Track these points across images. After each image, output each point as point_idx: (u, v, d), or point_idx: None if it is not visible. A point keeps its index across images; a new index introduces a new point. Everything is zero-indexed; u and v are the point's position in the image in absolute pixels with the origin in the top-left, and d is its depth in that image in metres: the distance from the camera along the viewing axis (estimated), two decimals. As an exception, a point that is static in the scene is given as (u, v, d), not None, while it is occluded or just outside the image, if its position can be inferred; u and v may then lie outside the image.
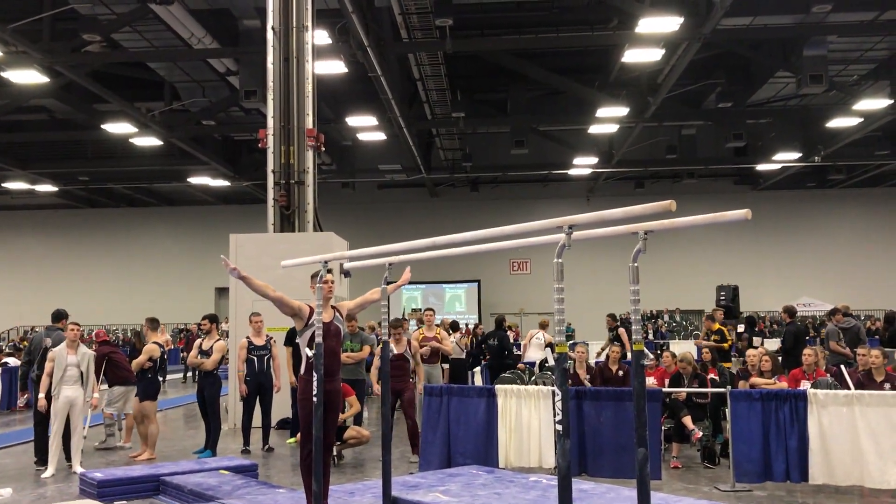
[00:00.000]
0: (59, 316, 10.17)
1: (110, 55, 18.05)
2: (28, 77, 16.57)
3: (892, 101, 19.54)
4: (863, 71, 21.19)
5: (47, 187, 28.46)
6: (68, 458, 8.86)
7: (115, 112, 20.78)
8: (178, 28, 16.05)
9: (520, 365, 12.99)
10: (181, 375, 21.41)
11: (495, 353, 13.59)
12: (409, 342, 9.40)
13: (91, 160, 26.30)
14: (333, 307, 6.05)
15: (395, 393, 8.80)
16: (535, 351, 13.95)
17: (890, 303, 24.61)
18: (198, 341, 10.23)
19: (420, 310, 13.75)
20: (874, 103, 19.81)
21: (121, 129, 21.00)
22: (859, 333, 11.92)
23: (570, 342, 17.52)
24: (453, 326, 15.11)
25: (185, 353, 21.82)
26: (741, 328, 15.11)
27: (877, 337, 17.37)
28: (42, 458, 8.97)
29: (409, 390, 9.05)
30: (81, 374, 8.69)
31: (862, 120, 21.22)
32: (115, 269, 33.34)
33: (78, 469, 8.47)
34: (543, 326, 14.42)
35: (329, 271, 5.85)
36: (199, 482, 7.04)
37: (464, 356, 13.62)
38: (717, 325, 12.71)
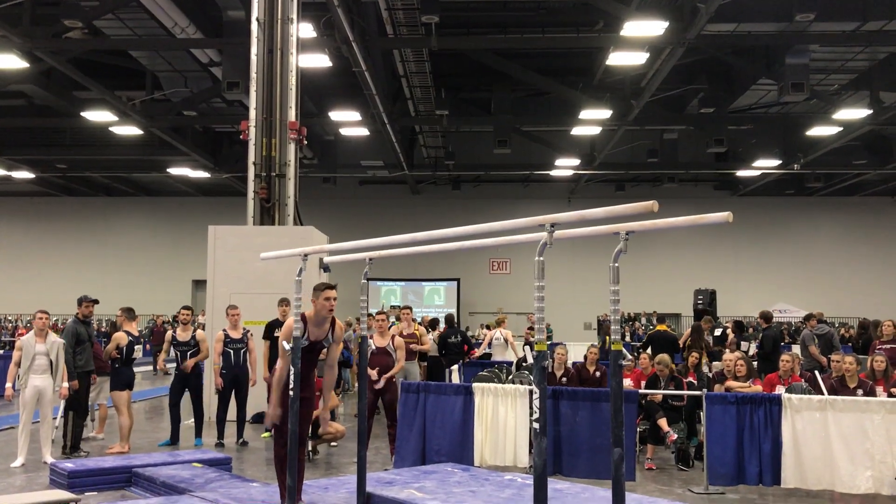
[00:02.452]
0: (79, 301, 9.67)
1: (92, 42, 17.82)
2: (7, 62, 16.31)
3: (871, 112, 19.74)
4: (843, 81, 21.39)
5: (24, 174, 28.10)
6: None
7: (96, 100, 20.53)
8: (161, 17, 15.88)
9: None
10: (152, 367, 21.19)
11: (457, 350, 13.64)
12: (393, 337, 9.00)
13: (69, 148, 25.97)
14: (334, 321, 5.79)
15: (377, 393, 8.53)
16: (501, 352, 13.90)
17: (864, 311, 24.89)
18: (169, 332, 10.22)
19: (398, 306, 13.72)
20: (853, 113, 20.01)
21: (100, 118, 20.76)
22: (832, 340, 12.03)
23: (549, 342, 17.54)
24: (432, 324, 15.06)
25: (149, 345, 21.69)
26: (718, 332, 15.19)
27: (850, 344, 17.56)
28: (73, 444, 9.12)
29: (393, 391, 8.63)
30: (51, 362, 8.58)
31: (841, 129, 21.43)
32: (91, 258, 32.97)
33: (48, 459, 8.36)
34: (500, 323, 14.31)
35: (333, 287, 5.59)
36: (172, 474, 6.97)
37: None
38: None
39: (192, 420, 10.10)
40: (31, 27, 15.72)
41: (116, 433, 9.64)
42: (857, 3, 16.47)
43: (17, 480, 7.85)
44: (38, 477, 7.91)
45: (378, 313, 9.28)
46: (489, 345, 14.26)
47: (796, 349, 13.64)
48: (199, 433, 9.98)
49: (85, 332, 9.36)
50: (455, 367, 14.02)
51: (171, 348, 9.92)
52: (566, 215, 3.89)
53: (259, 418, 11.16)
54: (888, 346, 10.04)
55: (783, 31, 17.27)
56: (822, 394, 8.06)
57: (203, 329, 12.52)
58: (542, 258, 3.87)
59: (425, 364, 12.56)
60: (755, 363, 11.45)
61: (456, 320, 14.68)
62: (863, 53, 19.64)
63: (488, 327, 14.49)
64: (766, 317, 12.78)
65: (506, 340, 14.02)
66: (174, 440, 9.86)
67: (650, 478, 8.23)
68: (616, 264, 4.07)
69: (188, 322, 10.03)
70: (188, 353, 9.82)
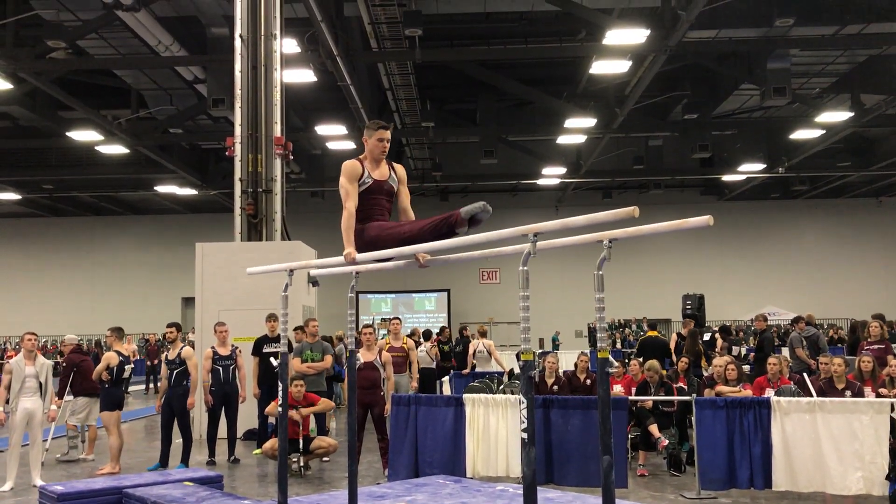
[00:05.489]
0: None
1: (76, 62, 17.83)
2: (-9, 83, 16.31)
3: (852, 114, 19.91)
4: (824, 84, 21.59)
5: (11, 195, 27.99)
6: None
7: (81, 119, 20.50)
8: (144, 35, 15.90)
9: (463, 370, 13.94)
10: (143, 387, 21.06)
11: (462, 359, 14.23)
12: (380, 352, 8.96)
13: (56, 168, 25.92)
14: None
15: (365, 406, 8.47)
16: (484, 364, 13.90)
17: (853, 312, 25.03)
18: (164, 354, 9.95)
19: (388, 319, 13.75)
20: (835, 116, 20.18)
21: (86, 137, 20.72)
22: (818, 342, 12.12)
23: (541, 351, 17.57)
24: (426, 335, 15.02)
25: (149, 363, 21.51)
26: (707, 336, 15.26)
27: (840, 346, 17.64)
28: None
29: (381, 405, 8.57)
30: (40, 384, 8.53)
31: (824, 132, 21.61)
32: (79, 278, 32.84)
33: (38, 482, 8.29)
34: (483, 334, 14.36)
35: (387, 128, 5.24)
36: (163, 494, 6.93)
37: (433, 366, 13.57)
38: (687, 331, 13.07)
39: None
40: (15, 48, 15.71)
41: (106, 454, 9.57)
42: (836, 7, 16.66)
43: (6, 504, 7.80)
44: (27, 501, 7.85)
45: (364, 327, 9.23)
46: (473, 356, 14.25)
47: (785, 352, 13.72)
48: (185, 458, 9.35)
49: None
50: (446, 378, 14.07)
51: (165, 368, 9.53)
52: (549, 224, 3.90)
53: (250, 435, 11.13)
54: (875, 347, 10.09)
55: (763, 36, 17.43)
56: (811, 396, 8.10)
57: (192, 346, 12.44)
58: (526, 268, 3.88)
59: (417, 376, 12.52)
60: (746, 367, 11.54)
61: (466, 332, 15.87)
62: (843, 56, 19.84)
63: (482, 334, 14.77)
64: (765, 320, 13.11)
65: (489, 352, 14.01)
66: (164, 463, 9.35)
67: (642, 484, 8.24)
68: (600, 272, 4.09)
69: (175, 339, 9.70)
70: (174, 372, 9.41)
